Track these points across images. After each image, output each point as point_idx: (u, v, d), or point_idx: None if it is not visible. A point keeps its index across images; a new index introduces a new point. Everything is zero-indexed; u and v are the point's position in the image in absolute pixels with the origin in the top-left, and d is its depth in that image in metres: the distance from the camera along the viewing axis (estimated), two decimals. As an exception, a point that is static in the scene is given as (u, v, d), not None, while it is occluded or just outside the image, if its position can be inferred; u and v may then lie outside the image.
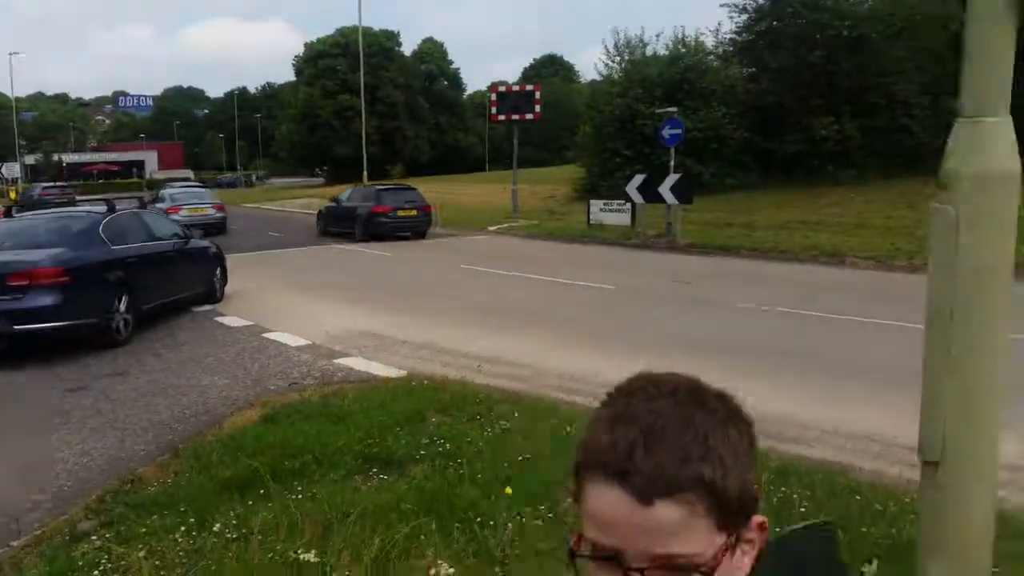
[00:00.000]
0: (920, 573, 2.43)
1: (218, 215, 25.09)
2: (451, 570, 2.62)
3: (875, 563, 2.45)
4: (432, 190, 37.94)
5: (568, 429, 5.28)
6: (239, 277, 13.47)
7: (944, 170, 2.31)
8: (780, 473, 4.36)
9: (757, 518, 0.89)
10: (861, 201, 22.09)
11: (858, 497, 4.12)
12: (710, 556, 0.82)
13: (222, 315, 11.10)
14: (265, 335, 9.69)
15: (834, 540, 2.20)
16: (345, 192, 25.08)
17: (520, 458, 4.61)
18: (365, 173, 36.04)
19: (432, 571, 2.62)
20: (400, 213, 21.95)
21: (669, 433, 0.83)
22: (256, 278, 14.55)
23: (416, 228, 22.18)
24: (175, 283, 11.07)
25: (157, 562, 3.51)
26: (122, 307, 9.41)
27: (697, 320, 10.22)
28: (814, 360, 7.82)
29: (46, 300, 8.56)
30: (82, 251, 9.31)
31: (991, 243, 2.24)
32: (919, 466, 2.44)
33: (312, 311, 11.35)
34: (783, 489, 4.11)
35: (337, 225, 22.91)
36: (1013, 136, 2.24)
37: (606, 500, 0.83)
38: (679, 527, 0.81)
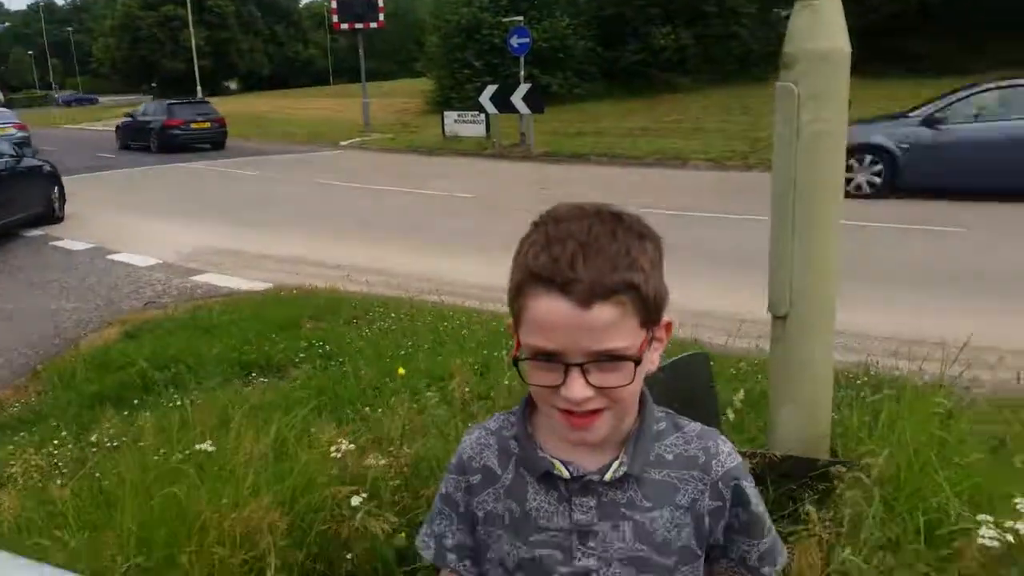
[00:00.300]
0: (771, 419, 2.80)
1: (20, 134, 23.46)
2: (351, 446, 2.73)
3: (742, 392, 2.78)
4: (276, 105, 36.14)
5: (445, 324, 5.46)
6: (72, 201, 12.51)
7: (785, 52, 2.56)
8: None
9: (665, 319, 1.03)
10: (698, 107, 23.17)
11: (712, 363, 4.55)
12: (636, 348, 0.96)
13: (59, 239, 10.34)
14: (110, 257, 9.16)
15: (709, 366, 2.51)
16: (141, 107, 26.29)
17: (403, 352, 4.74)
18: (199, 88, 33.68)
19: (333, 448, 2.72)
20: (194, 126, 23.04)
21: (601, 246, 0.94)
22: (91, 201, 13.55)
23: (214, 140, 23.36)
24: (10, 204, 10.30)
25: (35, 475, 3.41)
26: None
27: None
28: (671, 252, 8.32)
29: None
30: None
31: (827, 114, 2.53)
32: (767, 337, 2.75)
33: (159, 231, 10.77)
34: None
35: (135, 139, 23.88)
36: (843, 19, 2.51)
37: (551, 308, 0.94)
38: (612, 325, 0.94)
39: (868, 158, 10.85)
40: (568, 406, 0.98)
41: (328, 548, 2.49)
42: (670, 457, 1.09)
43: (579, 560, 1.06)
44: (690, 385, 2.38)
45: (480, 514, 1.13)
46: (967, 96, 10.75)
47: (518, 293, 0.98)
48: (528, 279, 0.96)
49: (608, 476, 1.05)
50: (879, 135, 10.90)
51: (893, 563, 2.03)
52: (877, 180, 10.89)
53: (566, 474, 1.05)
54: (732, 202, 11.17)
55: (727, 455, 1.11)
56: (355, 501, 2.33)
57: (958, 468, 2.34)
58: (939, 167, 10.39)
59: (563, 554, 1.06)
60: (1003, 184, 10.03)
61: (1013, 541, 1.83)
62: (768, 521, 1.14)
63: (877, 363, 3.99)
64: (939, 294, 6.29)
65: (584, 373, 0.96)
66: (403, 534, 2.43)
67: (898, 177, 10.71)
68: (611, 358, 0.96)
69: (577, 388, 0.96)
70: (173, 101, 24.65)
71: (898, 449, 2.50)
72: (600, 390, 0.97)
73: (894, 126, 11.09)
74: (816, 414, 2.62)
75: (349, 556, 2.42)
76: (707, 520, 1.08)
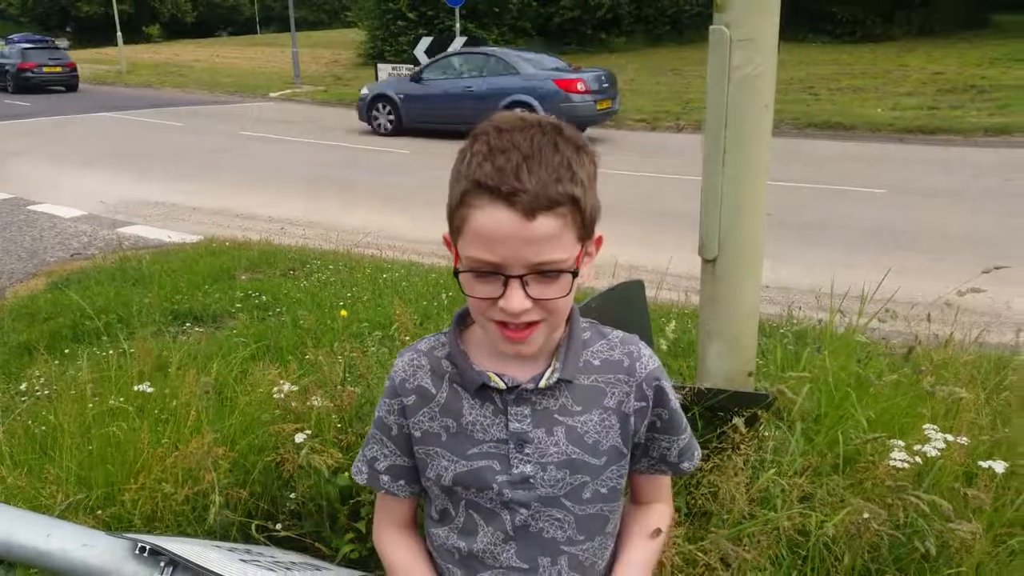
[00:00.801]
0: (700, 355, 2.93)
1: None
2: (294, 387, 2.75)
3: (673, 323, 2.90)
4: (201, 55, 34.74)
5: (384, 276, 5.45)
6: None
7: (720, -7, 2.63)
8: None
9: (597, 234, 1.07)
10: (632, 68, 23.27)
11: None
12: (573, 261, 1.00)
13: (-28, 189, 9.85)
14: (31, 208, 8.79)
15: (644, 294, 2.60)
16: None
17: (342, 303, 4.73)
18: (119, 34, 32.07)
19: (275, 389, 2.74)
20: (46, 69, 24.99)
21: (545, 157, 0.95)
22: (6, 151, 12.93)
23: (67, 83, 25.44)
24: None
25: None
26: None
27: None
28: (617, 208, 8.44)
29: None
30: None
31: (758, 58, 2.62)
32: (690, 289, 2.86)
33: (81, 182, 10.36)
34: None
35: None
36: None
37: (494, 219, 0.95)
38: (554, 238, 0.95)
39: (383, 106, 14.67)
40: (506, 318, 1.00)
41: (272, 487, 2.52)
42: (597, 362, 1.14)
43: (516, 468, 1.10)
44: (625, 313, 2.45)
45: (417, 434, 1.15)
46: (441, 58, 14.73)
47: (460, 203, 0.98)
48: (472, 188, 0.96)
49: (543, 383, 1.09)
50: (389, 88, 14.81)
51: (812, 489, 2.17)
52: (391, 122, 14.63)
53: (502, 385, 1.09)
54: (661, 162, 11.36)
55: (648, 358, 1.17)
56: (299, 438, 2.36)
57: (873, 399, 2.50)
58: (422, 113, 14.26)
59: (501, 464, 1.10)
60: (452, 126, 13.02)
61: (921, 462, 1.99)
62: (684, 419, 1.21)
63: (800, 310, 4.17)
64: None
65: (524, 285, 0.98)
66: (347, 473, 2.47)
67: (402, 120, 14.50)
68: (550, 271, 0.98)
69: (516, 300, 0.98)
70: (27, 46, 26.39)
71: (818, 386, 2.66)
72: (538, 302, 0.99)
73: (399, 81, 15.12)
74: (742, 352, 2.75)
75: (292, 496, 2.45)
76: (632, 420, 1.14)
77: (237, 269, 5.81)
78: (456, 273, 1.02)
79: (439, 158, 12.06)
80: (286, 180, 10.52)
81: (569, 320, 1.13)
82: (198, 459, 2.28)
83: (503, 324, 1.02)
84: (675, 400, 1.19)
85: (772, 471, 2.09)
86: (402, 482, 1.21)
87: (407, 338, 3.48)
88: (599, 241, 1.09)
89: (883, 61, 20.83)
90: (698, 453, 1.24)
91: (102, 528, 2.15)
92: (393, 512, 1.26)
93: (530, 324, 1.02)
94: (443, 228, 1.05)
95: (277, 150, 13.36)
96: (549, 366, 1.11)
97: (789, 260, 5.77)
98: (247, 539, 2.36)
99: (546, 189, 0.94)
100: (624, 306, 2.45)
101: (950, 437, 2.13)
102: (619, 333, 1.19)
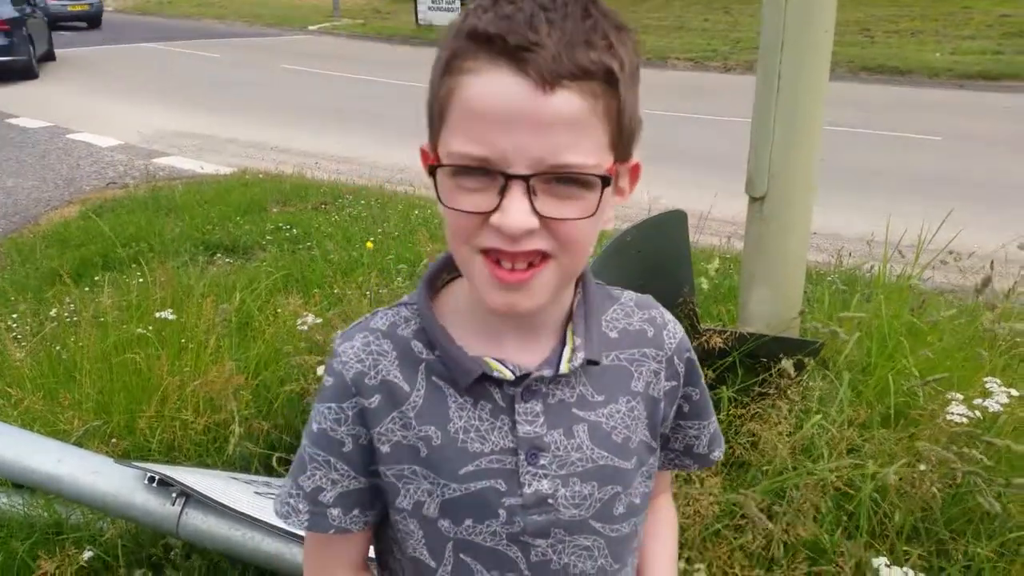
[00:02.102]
0: (742, 299, 2.78)
1: None
2: (318, 320, 2.67)
3: (716, 261, 2.75)
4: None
5: (416, 213, 5.34)
6: (26, 79, 11.94)
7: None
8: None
9: (634, 160, 0.76)
10: (681, 4, 22.50)
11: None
12: (602, 171, 0.68)
13: (13, 116, 9.89)
14: (70, 136, 8.81)
15: (686, 225, 2.44)
16: None
17: (372, 238, 4.64)
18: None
19: (299, 321, 2.66)
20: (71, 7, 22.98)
21: (571, 15, 0.66)
22: (47, 80, 12.97)
23: (90, 18, 23.50)
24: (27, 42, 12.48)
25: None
26: None
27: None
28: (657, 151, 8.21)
29: None
30: None
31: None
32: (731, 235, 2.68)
33: (120, 112, 10.34)
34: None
35: None
36: None
37: (495, 88, 0.65)
38: (578, 126, 0.66)
39: None
40: (500, 243, 0.68)
41: (295, 420, 2.46)
42: (614, 335, 0.85)
43: (529, 486, 0.79)
44: (664, 247, 2.30)
45: (384, 449, 0.81)
46: None
47: (446, 70, 0.69)
48: (466, 45, 0.66)
49: (564, 367, 0.79)
50: None
51: (860, 442, 2.04)
52: None
53: (508, 375, 0.78)
54: (705, 103, 10.98)
55: (674, 323, 0.89)
56: (321, 370, 2.28)
57: (929, 346, 2.34)
58: None
59: (507, 482, 0.79)
60: None
61: (981, 417, 1.85)
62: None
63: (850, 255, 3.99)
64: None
65: (529, 194, 0.66)
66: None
67: None
68: (570, 177, 0.67)
69: (517, 213, 0.66)
70: None
71: (868, 334, 2.50)
72: (548, 224, 0.68)
73: None
74: (788, 297, 2.60)
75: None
76: (662, 405, 0.87)
77: (269, 201, 5.75)
78: (432, 171, 0.71)
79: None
80: (322, 114, 10.38)
81: (581, 277, 0.82)
82: (218, 388, 2.21)
83: (495, 260, 0.70)
84: (702, 375, 0.93)
85: (818, 417, 1.95)
86: (356, 512, 0.84)
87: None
88: (635, 170, 0.77)
89: (945, 3, 19.82)
90: (721, 437, 1.00)
91: (120, 457, 2.10)
92: (340, 555, 0.88)
93: (532, 263, 0.70)
94: None
95: (314, 84, 13.20)
96: (563, 344, 0.80)
97: (839, 207, 5.52)
98: (269, 472, 2.31)
99: (572, 49, 0.64)
100: (664, 239, 2.30)
101: (1014, 391, 1.98)
102: (630, 294, 0.89)
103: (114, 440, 2.13)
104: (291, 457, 2.35)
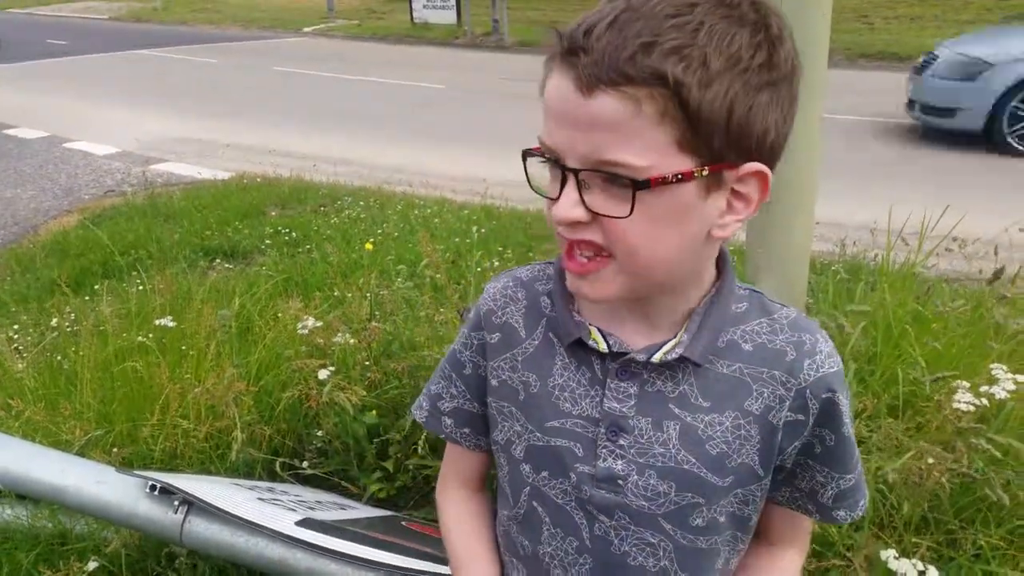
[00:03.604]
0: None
1: None
2: (318, 324, 2.66)
3: None
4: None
5: (416, 213, 5.33)
6: (23, 89, 11.93)
7: None
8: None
9: (755, 165, 0.72)
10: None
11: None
12: (655, 171, 0.68)
13: (10, 127, 9.88)
14: (67, 145, 8.80)
15: None
16: None
17: (372, 239, 4.62)
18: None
19: (300, 325, 2.65)
20: None
21: (652, 13, 0.67)
22: (44, 90, 12.94)
23: None
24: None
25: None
26: None
27: (524, 113, 10.29)
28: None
29: None
30: None
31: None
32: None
33: (116, 119, 10.32)
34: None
35: None
36: None
37: (555, 86, 0.71)
38: (617, 128, 0.67)
39: None
40: (561, 229, 0.74)
41: (298, 424, 2.45)
42: (748, 347, 0.82)
43: (604, 460, 0.82)
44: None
45: (494, 382, 0.91)
46: None
47: (545, 64, 0.76)
48: (552, 45, 0.74)
49: (657, 357, 0.80)
50: None
51: (866, 434, 2.02)
52: None
53: (603, 347, 0.82)
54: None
55: (826, 356, 0.82)
56: (323, 374, 2.27)
57: (934, 335, 2.32)
58: None
59: (584, 449, 0.83)
60: None
61: (988, 405, 1.83)
62: (857, 452, 0.88)
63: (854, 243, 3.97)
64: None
65: (580, 187, 0.71)
66: (373, 411, 2.38)
67: None
68: (615, 175, 0.69)
69: (564, 202, 0.72)
70: None
71: (874, 323, 2.48)
72: (596, 218, 0.72)
73: None
74: (793, 288, 2.58)
75: (320, 433, 2.38)
76: (780, 435, 0.82)
77: (267, 205, 5.74)
78: (524, 156, 0.77)
79: (474, 94, 11.80)
80: (319, 116, 10.36)
81: (719, 278, 0.83)
82: (218, 394, 2.20)
83: (568, 251, 0.76)
84: (850, 424, 0.86)
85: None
86: (467, 430, 0.96)
87: (438, 275, 3.37)
88: (761, 177, 0.73)
89: (942, -13, 19.75)
90: (863, 503, 0.90)
91: (122, 466, 2.09)
92: (458, 465, 1.02)
93: (592, 258, 0.74)
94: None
95: (310, 86, 13.18)
96: (674, 337, 0.82)
97: (842, 196, 5.49)
98: (272, 477, 2.30)
99: (616, 54, 0.65)
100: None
101: (1020, 377, 1.95)
102: (792, 312, 0.85)
103: (116, 449, 2.12)
104: (295, 462, 2.31)
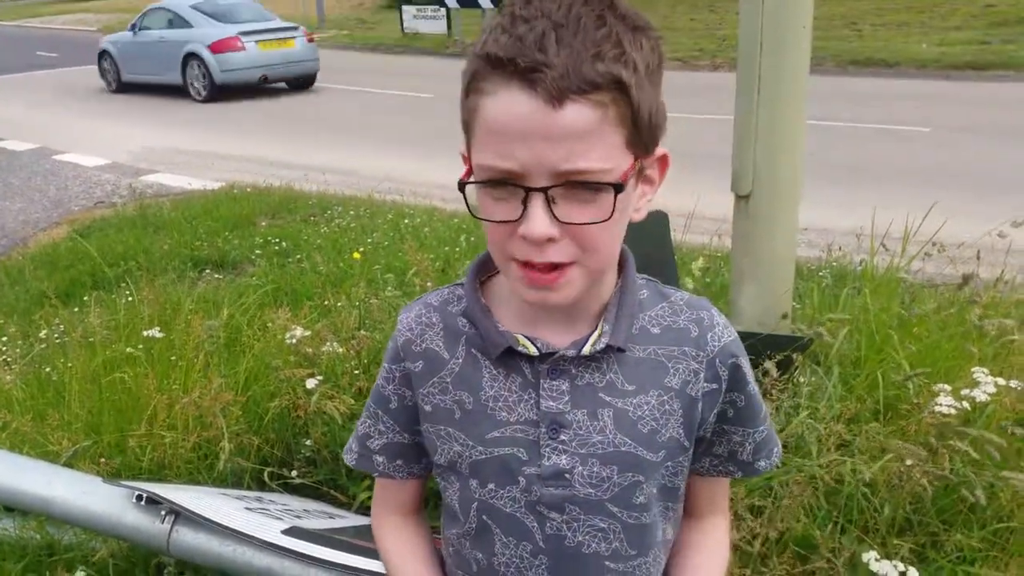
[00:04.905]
0: (732, 297, 2.78)
1: None
2: (307, 332, 2.66)
3: (701, 260, 2.75)
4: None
5: (406, 222, 5.34)
6: (12, 102, 11.93)
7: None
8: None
9: (660, 150, 0.81)
10: (666, 5, 22.58)
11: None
12: (619, 174, 0.74)
13: (0, 139, 9.88)
14: (56, 157, 8.80)
15: (668, 227, 2.45)
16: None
17: (362, 249, 4.64)
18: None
19: (288, 335, 2.65)
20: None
21: (583, 27, 0.71)
22: (33, 103, 12.94)
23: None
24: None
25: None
26: None
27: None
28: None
29: None
30: None
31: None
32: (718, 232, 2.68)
33: (106, 131, 10.34)
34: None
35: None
36: None
37: (510, 106, 0.72)
38: (588, 135, 0.71)
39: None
40: (528, 252, 0.76)
41: (286, 434, 2.45)
42: (656, 330, 0.89)
43: (548, 459, 0.86)
44: (646, 249, 2.31)
45: (427, 408, 0.93)
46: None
47: (469, 90, 0.77)
48: (483, 68, 0.74)
49: (587, 349, 0.85)
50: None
51: (850, 437, 2.04)
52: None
53: (533, 351, 0.85)
54: (697, 102, 10.99)
55: (723, 327, 0.91)
56: (311, 383, 2.28)
57: (917, 339, 2.34)
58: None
59: (528, 452, 0.87)
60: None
61: (969, 408, 1.85)
62: (764, 407, 0.96)
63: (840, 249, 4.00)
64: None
65: (548, 203, 0.73)
66: (362, 419, 2.39)
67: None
68: (584, 183, 0.73)
69: (538, 222, 0.73)
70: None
71: (858, 328, 2.51)
72: (568, 228, 0.74)
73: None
74: (777, 293, 2.60)
75: (308, 443, 2.38)
76: (700, 406, 0.89)
77: (257, 215, 5.75)
78: (461, 186, 0.78)
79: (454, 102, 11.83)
80: (309, 126, 10.39)
81: (622, 271, 0.89)
82: (206, 405, 2.21)
83: (527, 264, 0.77)
84: (753, 383, 0.93)
85: (805, 413, 1.95)
86: (399, 462, 0.99)
87: (428, 284, 3.39)
88: (663, 160, 0.83)
89: (928, -6, 19.92)
90: (778, 449, 0.99)
91: (110, 477, 2.09)
92: (392, 496, 1.04)
93: (560, 265, 0.77)
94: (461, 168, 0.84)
95: (300, 96, 13.19)
96: (595, 330, 0.86)
97: (828, 201, 5.53)
98: (261, 487, 2.31)
99: (579, 65, 0.70)
100: (645, 240, 2.30)
101: (1001, 380, 1.98)
102: (684, 294, 0.93)
103: (104, 460, 2.12)
104: (283, 472, 2.32)
